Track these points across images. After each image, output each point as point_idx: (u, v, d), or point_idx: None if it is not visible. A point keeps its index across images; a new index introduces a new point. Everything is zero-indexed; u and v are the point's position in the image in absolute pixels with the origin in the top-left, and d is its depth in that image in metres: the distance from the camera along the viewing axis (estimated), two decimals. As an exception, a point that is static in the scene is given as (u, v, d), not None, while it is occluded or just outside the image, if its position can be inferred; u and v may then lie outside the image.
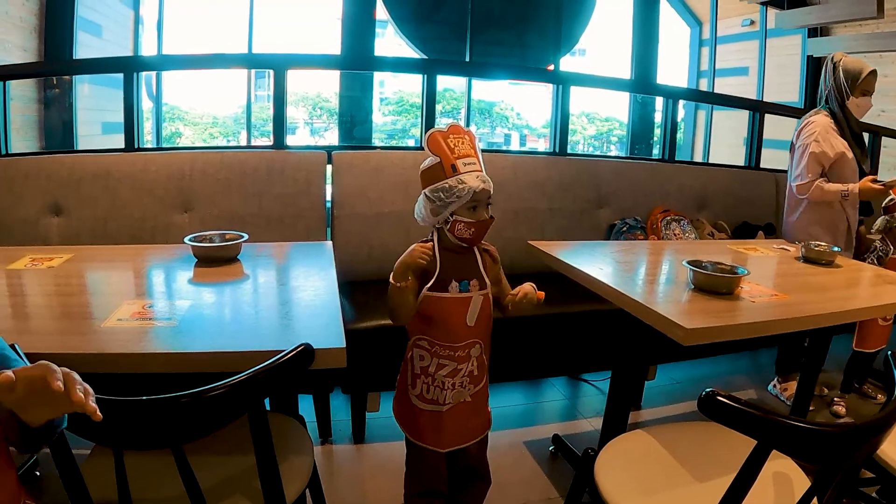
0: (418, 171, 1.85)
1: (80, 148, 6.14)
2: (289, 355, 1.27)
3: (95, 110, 7.01)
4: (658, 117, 8.84)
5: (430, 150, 1.79)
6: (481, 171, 1.82)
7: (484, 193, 1.79)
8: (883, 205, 3.29)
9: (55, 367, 0.94)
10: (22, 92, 5.82)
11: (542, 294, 1.89)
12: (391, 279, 1.80)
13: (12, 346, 1.19)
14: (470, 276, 1.85)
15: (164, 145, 8.22)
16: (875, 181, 3.05)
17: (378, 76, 8.39)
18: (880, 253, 3.32)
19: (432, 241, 1.84)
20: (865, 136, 3.57)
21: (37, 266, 2.08)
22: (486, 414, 2.04)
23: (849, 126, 3.15)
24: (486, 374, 2.00)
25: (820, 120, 3.15)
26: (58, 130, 6.33)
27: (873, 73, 3.08)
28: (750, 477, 1.22)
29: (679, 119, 4.74)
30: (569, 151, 3.94)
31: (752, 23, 9.67)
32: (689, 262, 2.08)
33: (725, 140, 9.31)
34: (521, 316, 2.88)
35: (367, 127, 7.51)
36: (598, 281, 2.12)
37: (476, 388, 1.95)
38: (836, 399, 3.30)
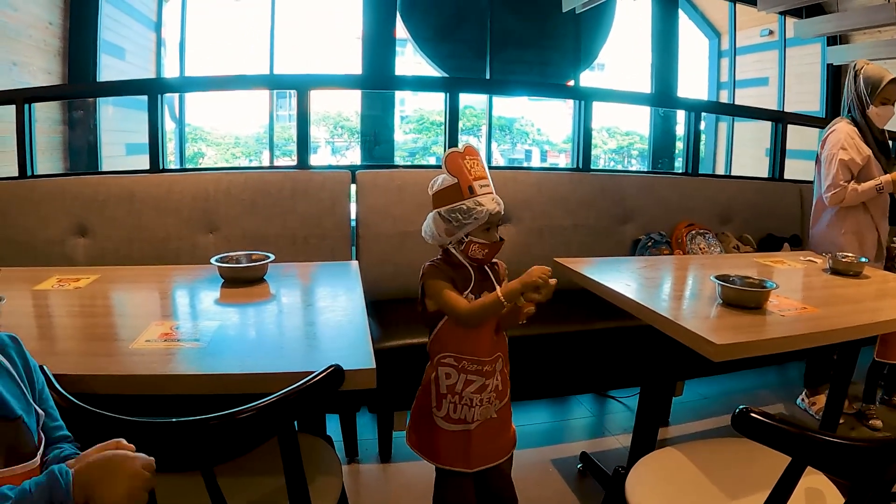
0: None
1: (104, 169, 6.20)
2: (319, 377, 1.27)
3: (119, 132, 7.07)
4: (680, 130, 8.78)
5: (450, 171, 1.81)
6: (494, 192, 1.83)
7: (498, 216, 1.83)
8: None
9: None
10: (47, 114, 5.89)
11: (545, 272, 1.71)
12: (503, 297, 1.73)
13: (41, 368, 1.20)
14: (491, 288, 1.85)
15: (188, 166, 8.29)
16: None
17: (398, 94, 8.42)
18: None
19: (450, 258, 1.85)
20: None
21: (64, 287, 2.09)
22: (511, 430, 2.03)
23: (872, 134, 3.13)
24: (509, 388, 1.99)
25: (842, 127, 3.14)
26: (82, 152, 6.38)
27: (894, 81, 3.05)
28: (784, 494, 1.20)
29: (700, 129, 4.74)
30: (591, 167, 3.93)
31: (771, 33, 9.61)
32: (716, 277, 2.06)
33: (747, 151, 9.26)
34: (547, 333, 2.91)
35: (390, 146, 7.52)
36: (624, 297, 2.11)
37: (501, 403, 1.96)
38: (869, 413, 3.24)
